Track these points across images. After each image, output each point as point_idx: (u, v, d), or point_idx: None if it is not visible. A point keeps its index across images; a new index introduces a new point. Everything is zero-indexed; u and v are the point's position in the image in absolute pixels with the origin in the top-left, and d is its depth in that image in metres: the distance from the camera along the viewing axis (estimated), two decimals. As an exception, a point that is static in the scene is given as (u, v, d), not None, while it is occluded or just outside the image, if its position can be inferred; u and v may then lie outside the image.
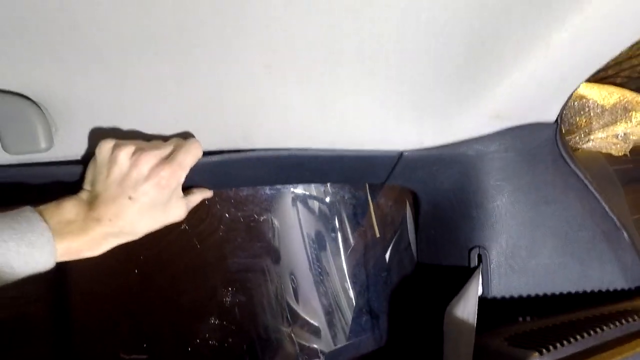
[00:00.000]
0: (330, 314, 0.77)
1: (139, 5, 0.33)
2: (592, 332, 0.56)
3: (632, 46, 1.66)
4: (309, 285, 0.77)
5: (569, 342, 0.54)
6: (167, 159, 0.43)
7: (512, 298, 0.66)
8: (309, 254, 0.78)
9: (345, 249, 0.80)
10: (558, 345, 0.54)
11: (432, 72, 0.48)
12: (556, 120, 0.60)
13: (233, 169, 0.53)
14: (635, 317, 0.60)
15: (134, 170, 0.41)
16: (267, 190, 0.72)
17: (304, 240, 0.77)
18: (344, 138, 0.56)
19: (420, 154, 0.59)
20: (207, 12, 0.35)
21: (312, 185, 0.78)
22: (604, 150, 1.32)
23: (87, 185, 0.43)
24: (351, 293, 0.78)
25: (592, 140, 1.35)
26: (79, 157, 0.47)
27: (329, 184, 0.80)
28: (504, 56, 0.44)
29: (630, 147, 1.31)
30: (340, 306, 0.77)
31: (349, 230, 0.81)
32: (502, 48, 0.43)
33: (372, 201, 0.81)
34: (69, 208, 0.40)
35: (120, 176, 0.41)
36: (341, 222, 0.81)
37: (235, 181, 0.55)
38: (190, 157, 0.44)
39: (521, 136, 0.58)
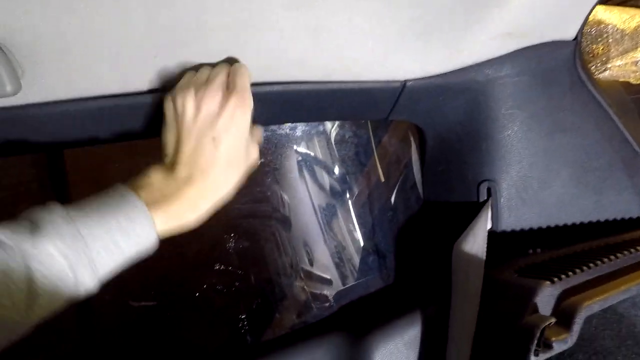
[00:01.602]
0: (337, 255, 0.77)
1: None
2: (604, 260, 0.55)
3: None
4: (315, 228, 0.77)
5: (581, 270, 0.53)
6: (229, 88, 0.40)
7: (522, 231, 0.64)
8: (314, 197, 0.77)
9: (351, 191, 0.78)
10: (570, 273, 0.53)
11: None
12: (575, 37, 0.54)
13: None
14: (652, 243, 0.58)
15: (204, 109, 0.38)
16: (268, 132, 0.69)
17: (307, 184, 0.75)
18: (341, 69, 0.52)
19: (425, 83, 0.55)
20: None
21: (315, 126, 0.75)
22: (621, 79, 1.25)
23: (165, 150, 0.40)
24: (358, 234, 0.77)
25: (610, 68, 1.27)
26: (48, 100, 0.44)
27: (332, 124, 0.76)
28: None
29: (651, 74, 1.23)
30: (348, 247, 0.77)
31: (354, 171, 0.79)
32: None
33: (376, 141, 0.78)
34: (156, 176, 0.38)
35: (192, 122, 0.39)
36: (346, 163, 0.78)
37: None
38: (247, 79, 0.41)
39: (536, 57, 0.53)
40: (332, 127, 0.80)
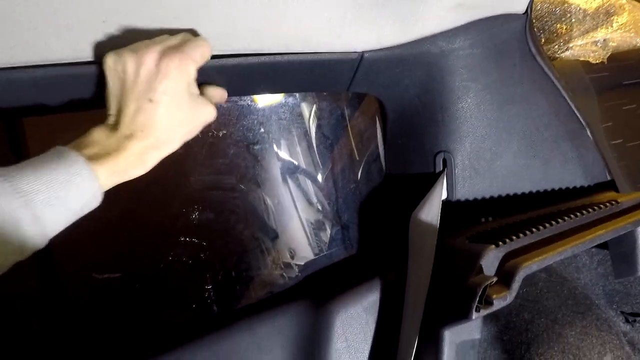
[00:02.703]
0: (303, 227, 0.79)
1: None
2: (545, 226, 0.59)
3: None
4: (280, 200, 0.78)
5: (524, 234, 0.57)
6: (172, 48, 0.40)
7: (476, 200, 0.67)
8: (278, 169, 0.77)
9: (319, 164, 0.80)
10: (513, 237, 0.56)
11: None
12: (526, 10, 0.56)
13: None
14: (590, 210, 0.62)
15: (141, 69, 0.39)
16: (231, 103, 0.68)
17: (272, 156, 0.76)
18: (298, 40, 0.52)
19: (382, 54, 0.55)
20: None
21: (277, 98, 0.75)
22: (582, 58, 1.29)
23: (109, 110, 0.41)
24: (322, 206, 0.79)
25: (571, 48, 1.31)
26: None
27: (295, 96, 0.77)
28: None
29: (609, 54, 1.28)
30: (314, 220, 0.79)
31: (323, 145, 0.80)
32: None
33: (340, 113, 0.79)
34: (98, 134, 0.39)
35: (132, 83, 0.39)
36: (318, 137, 0.79)
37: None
38: (198, 51, 0.41)
39: (488, 29, 0.55)
40: (300, 98, 0.80)
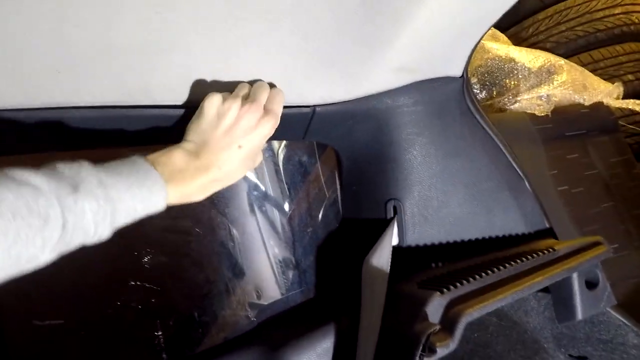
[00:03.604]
0: (259, 271, 0.79)
1: None
2: (489, 272, 0.62)
3: (561, 12, 1.72)
4: (237, 245, 0.78)
5: (468, 281, 0.60)
6: (268, 110, 0.48)
7: (426, 246, 0.70)
8: (235, 214, 0.78)
9: (273, 207, 0.81)
10: (457, 284, 0.59)
11: (333, 25, 0.47)
12: (462, 74, 0.62)
13: (131, 125, 0.51)
14: (529, 257, 0.66)
15: (243, 121, 0.46)
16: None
17: (230, 200, 0.77)
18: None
19: (333, 108, 0.59)
20: None
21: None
22: (529, 111, 1.40)
23: (192, 137, 0.46)
24: (278, 250, 0.80)
25: (519, 101, 1.42)
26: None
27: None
28: (397, 6, 0.44)
29: (552, 108, 1.40)
30: (268, 264, 0.79)
31: (276, 188, 0.82)
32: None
33: (299, 159, 0.82)
34: (179, 157, 0.43)
35: (230, 127, 0.45)
36: (268, 180, 0.81)
37: (137, 139, 0.53)
38: (281, 105, 0.50)
39: (429, 89, 0.60)
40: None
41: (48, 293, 0.64)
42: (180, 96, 0.51)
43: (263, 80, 0.52)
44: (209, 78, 0.51)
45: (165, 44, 0.45)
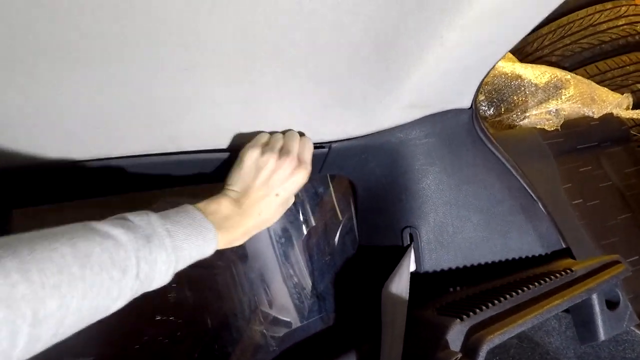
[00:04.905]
0: (279, 300, 0.80)
1: (54, 8, 0.33)
2: (507, 296, 0.62)
3: (564, 26, 1.74)
4: (257, 275, 0.80)
5: (487, 307, 0.60)
6: (301, 160, 0.52)
7: (442, 271, 0.71)
8: (255, 246, 0.81)
9: (293, 237, 0.83)
10: (477, 310, 0.60)
11: (348, 70, 0.50)
12: (471, 106, 0.64)
13: (161, 171, 0.54)
14: (547, 279, 0.67)
15: (280, 172, 0.50)
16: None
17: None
18: (272, 134, 0.58)
19: (348, 144, 0.62)
20: (120, 15, 0.35)
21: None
22: (538, 126, 1.42)
23: (233, 187, 0.50)
24: (298, 278, 0.82)
25: (528, 117, 1.44)
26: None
27: None
28: (407, 51, 0.47)
29: (562, 122, 1.41)
30: (287, 292, 0.81)
31: (292, 218, 0.84)
32: (404, 44, 0.46)
33: (317, 190, 0.84)
34: (225, 205, 0.47)
35: (268, 178, 0.50)
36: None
37: (165, 182, 0.56)
38: (311, 152, 0.54)
39: (439, 122, 0.63)
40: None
41: (78, 331, 0.67)
42: (206, 143, 0.54)
43: (293, 130, 0.56)
44: (232, 125, 0.54)
45: (191, 97, 0.48)
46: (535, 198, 0.74)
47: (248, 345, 0.78)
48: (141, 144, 0.51)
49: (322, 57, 0.48)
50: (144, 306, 0.72)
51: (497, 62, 0.55)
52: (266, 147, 0.51)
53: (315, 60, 0.48)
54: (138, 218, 0.39)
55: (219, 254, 0.76)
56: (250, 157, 0.50)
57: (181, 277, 0.74)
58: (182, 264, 0.41)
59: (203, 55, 0.43)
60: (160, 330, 0.68)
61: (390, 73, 0.51)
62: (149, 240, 0.37)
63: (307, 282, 0.82)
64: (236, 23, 0.40)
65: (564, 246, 0.77)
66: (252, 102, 0.52)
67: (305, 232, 0.85)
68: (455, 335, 0.57)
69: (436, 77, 0.52)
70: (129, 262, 0.35)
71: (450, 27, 0.42)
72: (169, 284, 0.70)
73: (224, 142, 0.56)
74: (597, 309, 0.69)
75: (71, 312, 0.31)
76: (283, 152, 0.51)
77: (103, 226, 0.36)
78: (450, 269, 0.71)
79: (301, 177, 0.52)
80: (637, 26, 1.78)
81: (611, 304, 0.72)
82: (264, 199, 0.50)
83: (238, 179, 0.51)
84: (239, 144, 0.56)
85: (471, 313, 0.59)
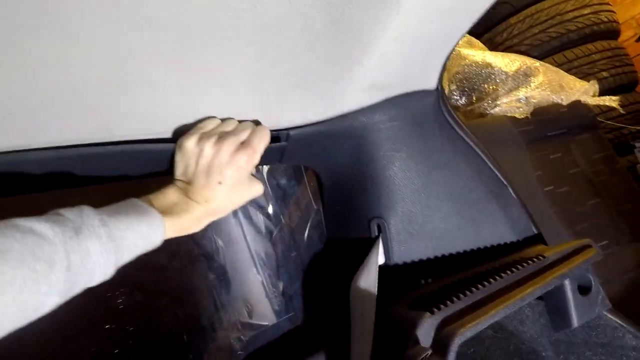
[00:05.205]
0: (243, 302, 0.76)
1: None
2: (479, 287, 0.60)
3: (532, 15, 1.75)
4: (222, 275, 0.75)
5: (458, 298, 0.57)
6: (244, 144, 0.49)
7: (413, 263, 0.68)
8: (219, 244, 0.75)
9: (255, 232, 0.79)
10: (448, 302, 0.57)
11: (301, 48, 0.46)
12: (437, 87, 0.61)
13: (91, 164, 0.48)
14: (519, 267, 0.65)
15: (216, 158, 0.47)
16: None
17: (209, 230, 0.74)
18: (224, 120, 0.53)
19: (308, 130, 0.58)
20: None
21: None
22: (509, 114, 1.41)
23: (179, 176, 0.49)
24: (263, 277, 0.77)
25: (499, 105, 1.43)
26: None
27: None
28: (363, 24, 0.43)
29: (531, 109, 1.41)
30: (254, 292, 0.76)
31: (258, 213, 0.79)
32: (359, 16, 0.42)
33: (278, 182, 0.80)
34: (172, 193, 0.47)
35: (207, 165, 0.47)
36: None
37: (95, 177, 0.50)
38: (263, 142, 0.51)
39: (404, 105, 0.59)
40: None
41: (17, 343, 0.60)
42: (143, 131, 0.48)
43: (247, 121, 0.53)
44: (174, 111, 0.49)
45: (122, 78, 0.43)
46: (505, 183, 0.72)
47: (211, 351, 0.73)
48: (69, 134, 0.45)
49: (271, 33, 0.43)
50: (91, 315, 0.66)
51: (460, 38, 0.52)
52: (204, 134, 0.48)
53: (262, 36, 0.43)
54: (70, 212, 0.38)
55: (172, 253, 0.71)
56: (187, 145, 0.48)
57: (131, 281, 0.69)
58: (128, 254, 0.40)
59: (131, 30, 0.38)
60: (109, 341, 0.62)
61: (347, 51, 0.47)
62: (78, 231, 0.36)
63: (274, 281, 0.78)
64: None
65: (535, 232, 0.75)
66: (193, 85, 0.47)
67: (272, 227, 0.81)
68: (426, 330, 0.54)
69: (397, 54, 0.48)
70: (55, 256, 0.34)
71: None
72: (117, 289, 0.64)
73: (165, 131, 0.50)
74: (569, 294, 0.67)
75: None
76: (221, 138, 0.48)
77: (27, 222, 0.35)
78: (420, 260, 0.68)
79: (243, 161, 0.48)
80: (601, 15, 1.82)
81: (583, 289, 0.70)
82: (206, 188, 0.47)
83: (180, 169, 0.49)
84: (182, 133, 0.50)
85: (442, 306, 0.56)
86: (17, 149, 0.43)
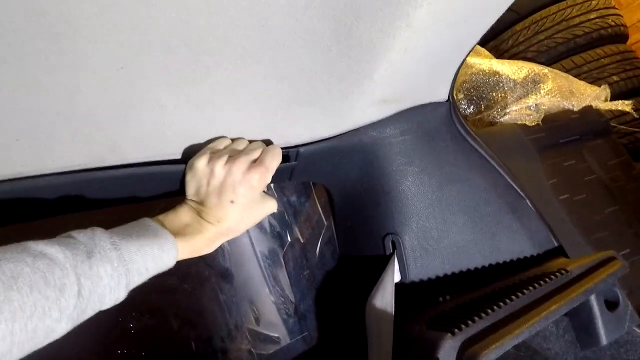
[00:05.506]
0: (257, 320, 0.74)
1: None
2: (501, 304, 0.57)
3: (538, 22, 1.74)
4: (228, 298, 0.73)
5: (480, 317, 0.55)
6: (256, 162, 0.48)
7: (430, 280, 0.66)
8: (229, 263, 0.74)
9: (267, 251, 0.77)
10: (469, 322, 0.54)
11: (308, 64, 0.45)
12: (448, 99, 0.59)
13: (102, 187, 0.48)
14: (542, 282, 0.62)
15: (229, 178, 0.46)
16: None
17: (222, 250, 0.72)
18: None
19: (317, 146, 0.56)
20: (35, 11, 0.29)
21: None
22: (519, 122, 1.39)
23: (191, 196, 0.48)
24: (275, 297, 0.75)
25: (508, 113, 1.41)
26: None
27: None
28: (371, 38, 0.42)
29: (542, 116, 1.38)
30: (266, 312, 0.74)
31: (268, 231, 0.78)
32: (367, 30, 0.41)
33: (296, 199, 0.78)
34: (185, 214, 0.46)
35: (219, 185, 0.46)
36: (260, 224, 0.77)
37: (106, 200, 0.50)
38: (275, 161, 0.49)
39: (415, 118, 0.57)
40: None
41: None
42: (153, 152, 0.48)
43: (258, 141, 0.52)
44: (183, 132, 0.48)
45: (131, 101, 0.42)
46: (522, 195, 0.69)
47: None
48: (75, 157, 0.44)
49: (279, 50, 0.42)
50: (103, 339, 0.65)
51: (471, 49, 0.51)
52: (215, 154, 0.47)
53: (271, 53, 0.42)
54: (82, 234, 0.38)
55: (183, 274, 0.69)
56: (198, 165, 0.47)
57: (142, 304, 0.67)
58: (138, 277, 0.39)
59: (139, 51, 0.37)
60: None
61: (355, 65, 0.46)
62: (89, 255, 0.36)
63: (287, 300, 0.75)
64: (175, 12, 0.34)
65: (556, 244, 0.73)
66: (203, 104, 0.46)
67: (283, 244, 0.79)
68: (447, 352, 0.51)
69: (406, 67, 0.47)
70: (66, 280, 0.33)
71: (416, 3, 0.37)
72: (128, 312, 0.63)
73: (174, 152, 0.49)
74: (596, 311, 0.64)
75: (0, 337, 0.29)
76: (232, 157, 0.47)
77: (38, 245, 0.34)
78: (437, 277, 0.66)
79: (256, 179, 0.47)
80: (608, 19, 1.80)
81: (610, 305, 0.67)
82: (218, 208, 0.46)
83: (193, 189, 0.48)
84: (193, 153, 0.50)
85: (463, 326, 0.53)
86: (26, 175, 0.43)
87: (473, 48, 0.51)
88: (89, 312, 0.36)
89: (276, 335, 0.75)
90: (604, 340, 0.63)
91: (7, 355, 0.30)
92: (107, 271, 0.36)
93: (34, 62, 0.34)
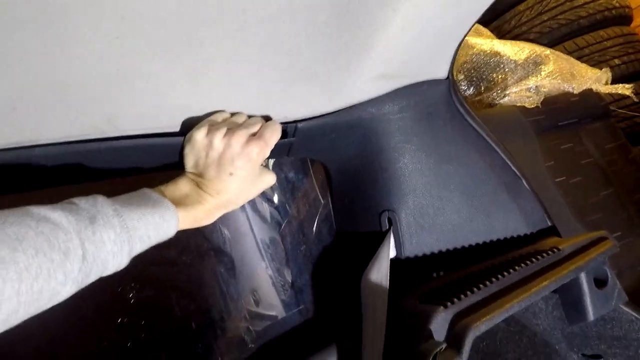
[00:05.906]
0: (254, 293, 0.75)
1: None
2: (493, 280, 0.58)
3: (541, 2, 1.71)
4: (226, 271, 0.75)
5: (472, 292, 0.56)
6: (256, 136, 0.48)
7: (424, 256, 0.67)
8: (227, 237, 0.75)
9: (264, 226, 0.78)
10: (462, 296, 0.56)
11: (306, 39, 0.44)
12: (447, 76, 0.59)
13: (99, 159, 0.48)
14: (534, 260, 0.63)
15: (227, 150, 0.46)
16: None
17: (217, 224, 0.73)
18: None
19: (316, 122, 0.56)
20: None
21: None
22: (518, 104, 1.38)
23: (190, 168, 0.48)
24: (272, 270, 0.76)
25: (508, 94, 1.40)
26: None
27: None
28: (371, 12, 0.41)
29: (542, 99, 1.38)
30: (263, 285, 0.75)
31: (265, 206, 0.78)
32: (365, 4, 0.40)
33: (294, 175, 0.79)
34: (184, 185, 0.47)
35: (218, 157, 0.47)
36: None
37: (104, 172, 0.50)
38: (274, 135, 0.50)
39: (414, 95, 0.57)
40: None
41: (29, 338, 0.60)
42: (150, 124, 0.48)
43: (257, 116, 0.52)
44: (180, 105, 0.48)
45: (126, 72, 0.42)
46: (519, 175, 0.70)
47: (221, 345, 0.73)
48: (73, 128, 0.44)
49: (276, 23, 0.42)
50: (103, 309, 0.66)
51: (472, 25, 0.50)
52: (213, 126, 0.47)
53: (267, 27, 0.42)
54: (84, 201, 0.38)
55: (182, 248, 0.70)
56: (197, 137, 0.47)
57: (141, 276, 0.69)
58: (141, 245, 0.40)
59: (134, 21, 0.37)
60: (121, 334, 0.62)
61: (354, 40, 0.46)
62: (92, 221, 0.36)
63: (283, 274, 0.77)
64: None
65: (549, 224, 0.74)
66: (199, 76, 0.45)
67: (280, 220, 0.80)
68: (439, 324, 0.53)
69: (406, 42, 0.47)
70: (70, 244, 0.34)
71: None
72: (128, 283, 0.64)
73: (172, 125, 0.49)
74: (585, 288, 0.66)
75: (7, 296, 0.30)
76: (231, 130, 0.47)
77: (41, 210, 0.34)
78: (432, 253, 0.67)
79: (255, 152, 0.47)
80: (612, 0, 1.77)
81: (599, 282, 0.69)
82: (217, 180, 0.47)
83: (192, 162, 0.48)
84: (191, 127, 0.50)
85: (455, 299, 0.55)
86: (23, 144, 0.43)
87: (474, 25, 0.51)
88: (92, 277, 0.37)
89: (273, 310, 0.76)
90: (591, 316, 0.65)
91: (13, 315, 0.31)
92: (110, 237, 0.36)
93: (26, 30, 0.34)
